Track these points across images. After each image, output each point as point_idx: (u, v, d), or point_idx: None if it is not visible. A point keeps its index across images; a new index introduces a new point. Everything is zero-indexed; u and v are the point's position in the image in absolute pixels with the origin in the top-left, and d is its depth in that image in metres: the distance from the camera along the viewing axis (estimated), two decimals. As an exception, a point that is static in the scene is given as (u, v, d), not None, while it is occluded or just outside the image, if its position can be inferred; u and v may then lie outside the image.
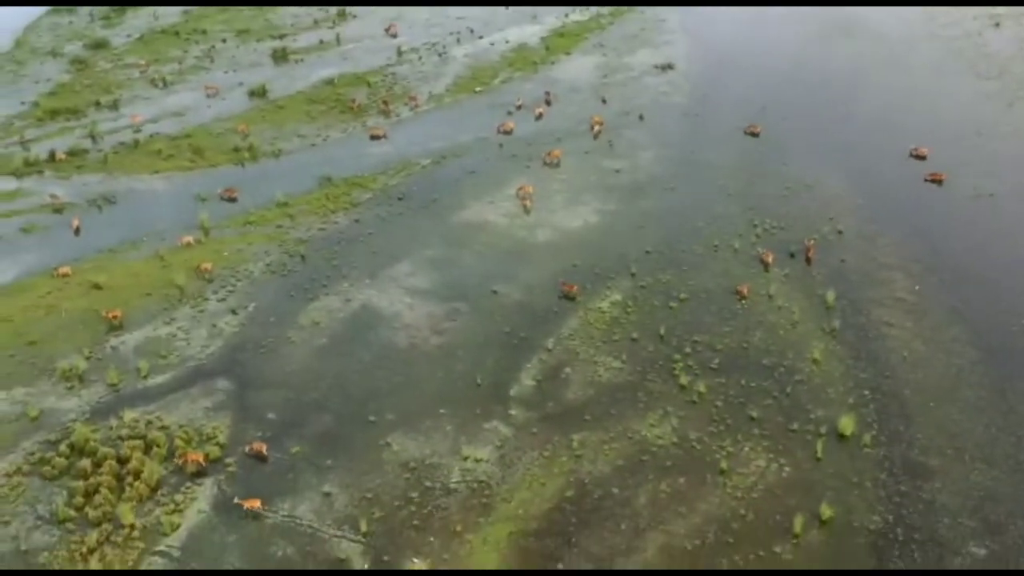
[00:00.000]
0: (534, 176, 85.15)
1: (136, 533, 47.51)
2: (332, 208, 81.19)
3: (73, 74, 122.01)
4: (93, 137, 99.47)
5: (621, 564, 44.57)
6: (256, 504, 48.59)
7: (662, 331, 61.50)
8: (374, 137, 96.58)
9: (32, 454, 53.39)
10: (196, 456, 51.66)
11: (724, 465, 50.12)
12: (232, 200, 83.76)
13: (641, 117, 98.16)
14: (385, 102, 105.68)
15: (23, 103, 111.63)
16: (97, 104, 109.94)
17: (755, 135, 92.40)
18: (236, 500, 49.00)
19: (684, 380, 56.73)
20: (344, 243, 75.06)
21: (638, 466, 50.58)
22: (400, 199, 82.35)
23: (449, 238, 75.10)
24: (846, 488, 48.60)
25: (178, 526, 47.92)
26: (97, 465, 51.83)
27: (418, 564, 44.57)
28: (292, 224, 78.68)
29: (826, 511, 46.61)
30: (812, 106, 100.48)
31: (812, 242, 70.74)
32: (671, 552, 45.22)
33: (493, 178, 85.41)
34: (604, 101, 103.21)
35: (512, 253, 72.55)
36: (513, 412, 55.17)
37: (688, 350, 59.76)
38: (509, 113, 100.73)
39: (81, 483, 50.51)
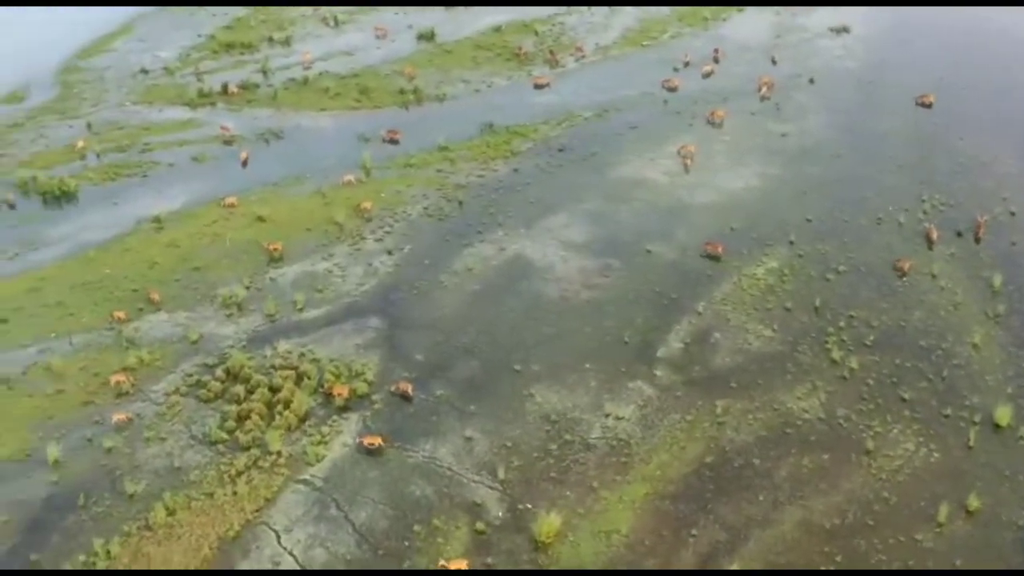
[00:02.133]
0: (697, 135, 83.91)
1: (282, 460, 48.97)
2: (492, 156, 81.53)
3: (249, 9, 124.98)
4: (264, 72, 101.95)
5: (756, 536, 44.02)
6: (377, 441, 49.43)
7: (817, 303, 60.11)
8: (538, 86, 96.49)
9: (190, 376, 55.57)
10: (342, 390, 52.89)
11: (870, 445, 48.87)
12: (394, 142, 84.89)
13: (812, 80, 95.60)
14: (552, 52, 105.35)
15: (200, 35, 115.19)
16: (270, 40, 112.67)
17: (928, 106, 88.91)
18: (357, 438, 50.02)
19: (836, 355, 55.39)
20: (502, 191, 75.39)
21: (781, 438, 49.75)
22: (560, 150, 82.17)
23: (607, 192, 74.68)
24: (997, 480, 46.89)
25: (323, 457, 49.16)
26: (250, 392, 53.55)
27: (538, 514, 44.79)
28: (451, 169, 79.36)
29: (974, 502, 45.07)
30: (992, 79, 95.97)
31: (984, 219, 67.97)
32: (808, 528, 44.43)
33: (655, 134, 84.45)
34: (774, 62, 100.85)
35: (669, 212, 71.75)
36: (658, 373, 54.80)
37: (842, 324, 58.27)
38: (676, 69, 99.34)
39: (234, 408, 52.27)
